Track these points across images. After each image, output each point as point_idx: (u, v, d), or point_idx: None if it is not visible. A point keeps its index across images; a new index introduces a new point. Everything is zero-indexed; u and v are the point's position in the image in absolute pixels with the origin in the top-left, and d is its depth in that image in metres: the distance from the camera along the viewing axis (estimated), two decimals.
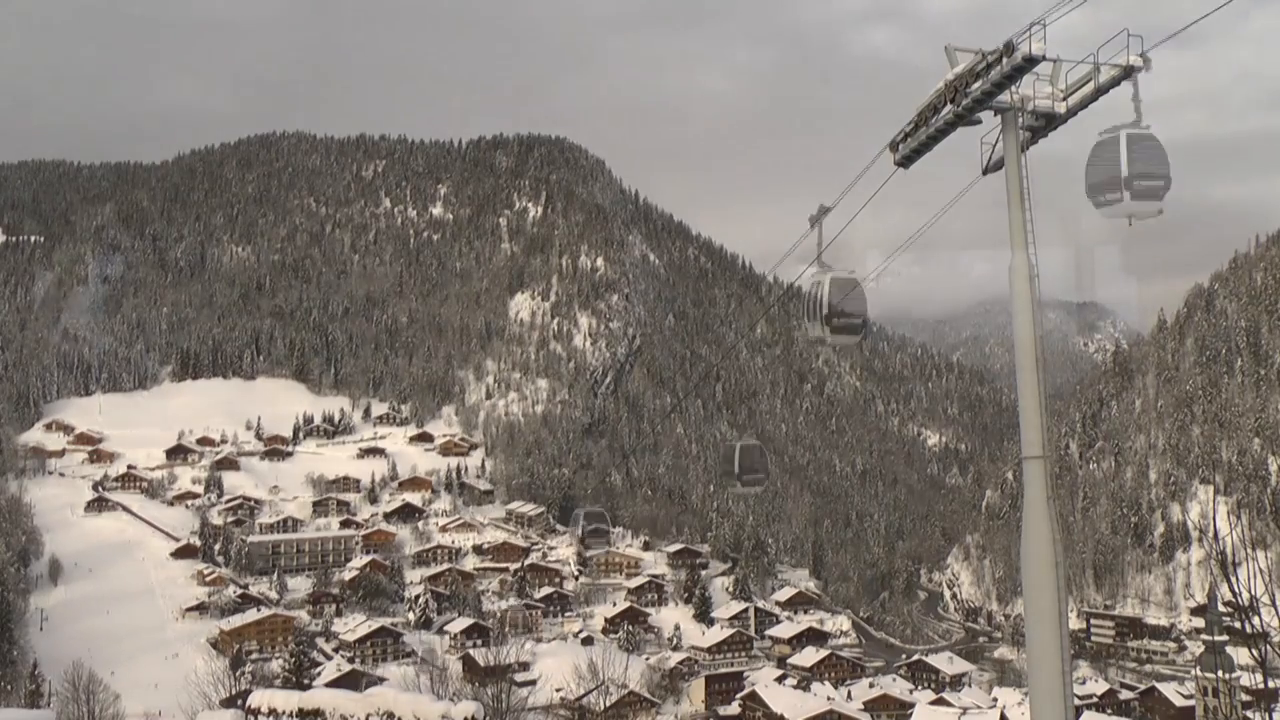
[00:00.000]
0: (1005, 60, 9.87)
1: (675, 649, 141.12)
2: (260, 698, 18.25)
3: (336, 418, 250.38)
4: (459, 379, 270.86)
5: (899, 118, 11.15)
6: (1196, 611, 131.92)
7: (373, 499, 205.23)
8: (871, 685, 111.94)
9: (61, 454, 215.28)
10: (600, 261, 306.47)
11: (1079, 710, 71.02)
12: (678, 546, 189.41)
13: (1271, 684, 15.71)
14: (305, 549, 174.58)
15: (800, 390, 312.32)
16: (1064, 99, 10.42)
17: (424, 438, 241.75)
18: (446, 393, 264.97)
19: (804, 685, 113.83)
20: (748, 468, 16.55)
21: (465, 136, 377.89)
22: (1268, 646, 14.79)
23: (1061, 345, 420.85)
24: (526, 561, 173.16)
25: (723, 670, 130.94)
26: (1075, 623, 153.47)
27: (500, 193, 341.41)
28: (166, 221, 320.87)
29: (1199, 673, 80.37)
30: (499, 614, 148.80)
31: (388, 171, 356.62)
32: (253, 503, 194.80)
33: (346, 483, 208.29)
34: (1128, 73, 10.04)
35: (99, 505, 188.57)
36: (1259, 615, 14.29)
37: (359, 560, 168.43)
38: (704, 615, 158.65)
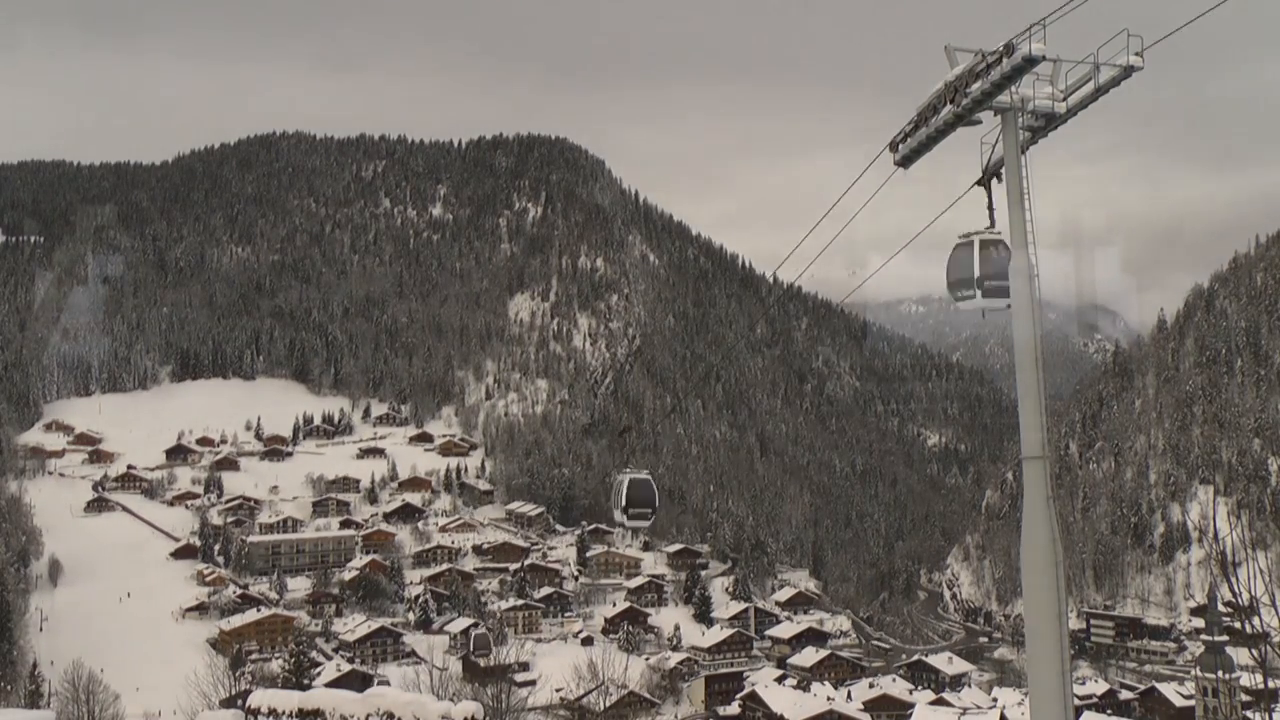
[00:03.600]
0: (1005, 60, 9.87)
1: (675, 649, 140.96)
2: (260, 698, 18.22)
3: (336, 418, 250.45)
4: (459, 379, 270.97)
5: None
6: (1196, 611, 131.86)
7: (372, 499, 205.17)
8: (871, 685, 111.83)
9: (61, 454, 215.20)
10: (600, 261, 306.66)
11: (1079, 710, 71.08)
12: (677, 547, 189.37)
13: (1271, 684, 15.72)
14: (305, 549, 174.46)
15: (800, 390, 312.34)
16: (1064, 99, 10.42)
17: (424, 438, 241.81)
18: (446, 393, 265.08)
19: (804, 685, 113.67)
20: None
21: (465, 136, 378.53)
22: (1268, 646, 14.80)
23: (1062, 345, 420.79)
24: (526, 561, 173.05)
25: (722, 670, 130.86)
26: (1075, 623, 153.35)
27: (500, 193, 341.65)
28: (166, 221, 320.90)
29: (1199, 673, 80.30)
30: (499, 614, 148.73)
31: (387, 172, 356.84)
32: (252, 503, 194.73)
33: (346, 483, 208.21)
34: (1127, 72, 10.06)
35: (99, 505, 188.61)
36: (1259, 615, 14.30)
37: (359, 560, 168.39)
38: (704, 615, 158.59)
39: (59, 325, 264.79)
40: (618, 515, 16.70)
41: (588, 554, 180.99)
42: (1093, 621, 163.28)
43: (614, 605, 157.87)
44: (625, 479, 16.40)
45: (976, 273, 10.41)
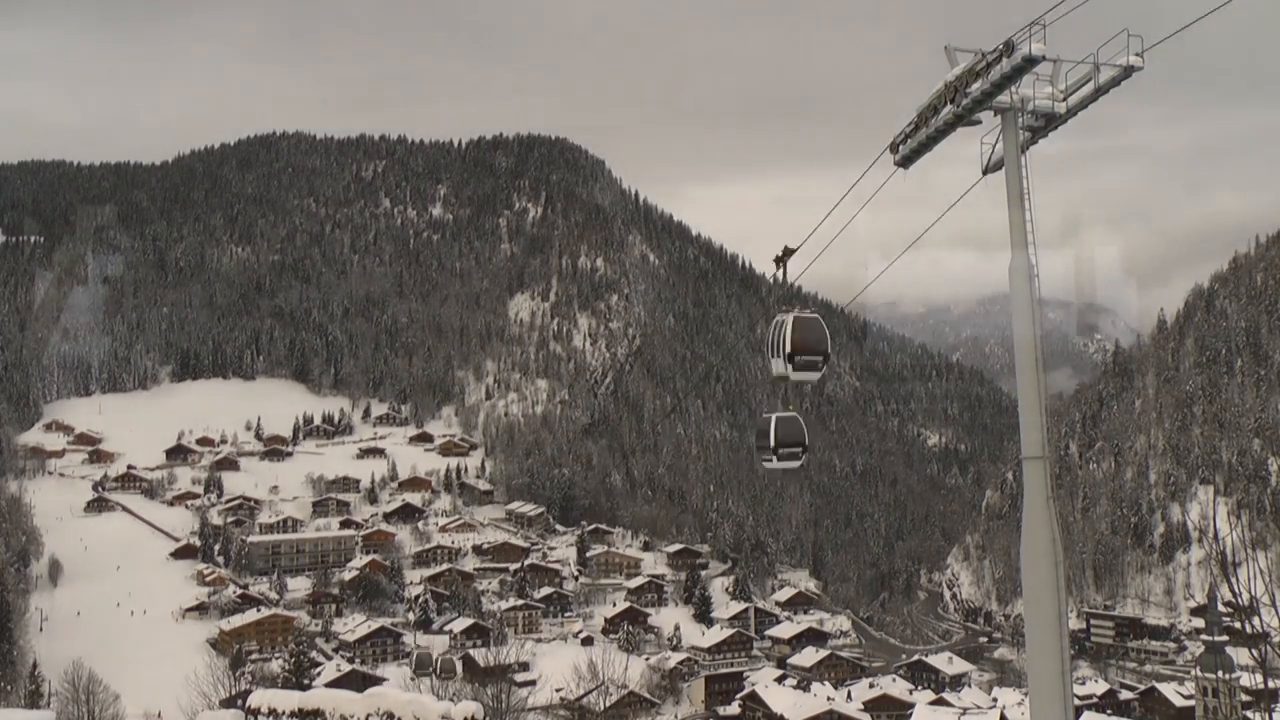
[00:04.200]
0: (1005, 60, 9.87)
1: (675, 649, 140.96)
2: (260, 698, 18.24)
3: (336, 418, 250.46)
4: (459, 379, 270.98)
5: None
6: (1196, 611, 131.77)
7: (372, 499, 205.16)
8: (871, 685, 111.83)
9: (61, 454, 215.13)
10: (600, 261, 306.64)
11: (1079, 710, 71.06)
12: (678, 547, 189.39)
13: (1271, 684, 15.73)
14: (305, 549, 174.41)
15: (800, 390, 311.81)
16: (1064, 99, 10.42)
17: (424, 438, 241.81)
18: (446, 393, 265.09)
19: (804, 685, 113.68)
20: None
21: (465, 137, 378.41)
22: (1268, 646, 14.81)
23: (1062, 345, 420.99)
24: (526, 561, 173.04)
25: (722, 670, 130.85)
26: (1075, 623, 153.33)
27: (500, 193, 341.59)
28: (166, 221, 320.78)
29: (1199, 673, 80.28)
30: (499, 614, 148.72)
31: (387, 172, 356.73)
32: (252, 503, 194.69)
33: (346, 483, 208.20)
34: (1127, 72, 10.06)
35: (99, 505, 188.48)
36: (1259, 615, 14.31)
37: (359, 560, 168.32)
38: (704, 615, 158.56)
39: (59, 325, 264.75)
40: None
41: (588, 554, 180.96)
42: (1093, 621, 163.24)
43: (614, 605, 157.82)
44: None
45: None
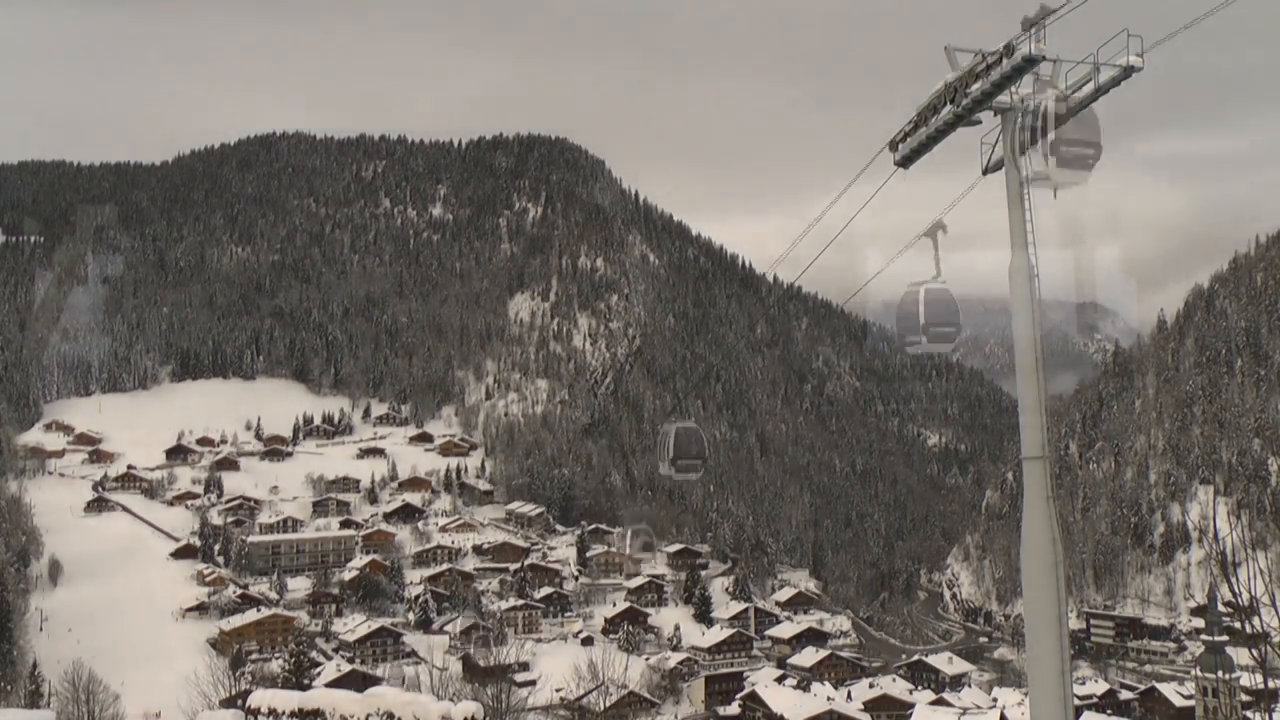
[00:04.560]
0: (1005, 60, 9.88)
1: (675, 649, 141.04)
2: (260, 698, 18.24)
3: (336, 418, 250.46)
4: (459, 379, 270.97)
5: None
6: (1196, 612, 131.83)
7: (372, 499, 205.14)
8: (871, 685, 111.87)
9: (61, 454, 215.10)
10: (600, 262, 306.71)
11: (1079, 710, 71.04)
12: (678, 547, 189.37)
13: (1271, 684, 15.73)
14: (305, 549, 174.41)
15: (800, 390, 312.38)
16: (1064, 99, 10.42)
17: (424, 438, 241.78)
18: (446, 393, 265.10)
19: (804, 685, 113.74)
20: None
21: (465, 137, 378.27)
22: (1268, 647, 14.81)
23: (1062, 345, 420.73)
24: (526, 561, 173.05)
25: (722, 670, 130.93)
26: (1075, 623, 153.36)
27: (500, 193, 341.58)
28: (166, 221, 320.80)
29: (1199, 673, 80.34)
30: (499, 614, 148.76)
31: (387, 172, 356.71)
32: (252, 503, 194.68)
33: (346, 483, 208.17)
34: (1127, 73, 10.06)
35: (99, 505, 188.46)
36: (1259, 616, 14.31)
37: (359, 560, 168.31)
38: (704, 615, 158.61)
39: (59, 325, 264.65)
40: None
41: (588, 554, 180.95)
42: (1093, 621, 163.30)
43: (614, 605, 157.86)
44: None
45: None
